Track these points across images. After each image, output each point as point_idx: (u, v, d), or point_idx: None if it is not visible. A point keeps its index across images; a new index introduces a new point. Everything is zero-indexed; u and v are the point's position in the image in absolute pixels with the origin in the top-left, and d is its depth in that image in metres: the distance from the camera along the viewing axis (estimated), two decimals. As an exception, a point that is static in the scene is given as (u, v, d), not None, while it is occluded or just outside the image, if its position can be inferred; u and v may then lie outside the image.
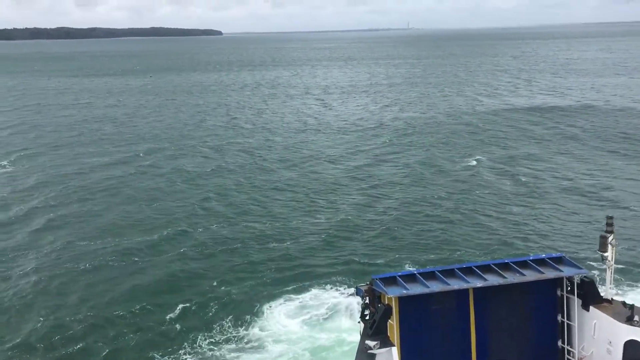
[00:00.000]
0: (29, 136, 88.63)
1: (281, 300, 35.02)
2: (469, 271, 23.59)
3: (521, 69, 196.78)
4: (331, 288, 36.28)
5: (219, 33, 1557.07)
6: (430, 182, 59.46)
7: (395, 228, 46.51)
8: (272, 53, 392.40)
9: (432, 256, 40.72)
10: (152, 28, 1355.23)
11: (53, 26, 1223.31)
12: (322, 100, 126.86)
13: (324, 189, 57.89)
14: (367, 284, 23.79)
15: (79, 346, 30.78)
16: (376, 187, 58.11)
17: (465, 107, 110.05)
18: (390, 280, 22.90)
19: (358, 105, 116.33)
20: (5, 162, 70.46)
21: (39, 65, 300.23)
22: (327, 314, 33.39)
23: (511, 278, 23.16)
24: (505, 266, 23.87)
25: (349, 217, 49.11)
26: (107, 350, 30.33)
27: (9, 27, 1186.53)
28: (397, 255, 41.01)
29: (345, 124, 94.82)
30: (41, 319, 33.36)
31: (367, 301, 23.88)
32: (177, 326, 32.49)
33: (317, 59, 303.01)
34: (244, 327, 32.23)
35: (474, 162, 66.41)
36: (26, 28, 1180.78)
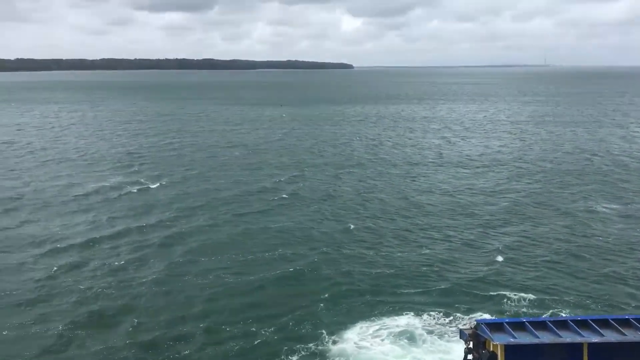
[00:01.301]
0: (181, 160, 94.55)
1: (378, 326, 34.64)
2: (583, 324, 22.17)
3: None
4: (433, 324, 34.78)
5: (350, 66, 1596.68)
6: (566, 225, 55.07)
7: (507, 269, 43.76)
8: (405, 87, 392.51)
9: (544, 303, 37.55)
10: (288, 61, 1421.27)
11: (199, 57, 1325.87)
12: (462, 135, 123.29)
13: (467, 224, 55.16)
14: (471, 328, 22.98)
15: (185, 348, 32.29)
16: (510, 225, 54.50)
17: (619, 149, 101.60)
18: (497, 326, 21.97)
19: (499, 142, 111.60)
20: (161, 182, 75.30)
21: (185, 92, 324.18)
22: (424, 351, 31.69)
23: (631, 336, 21.53)
24: (626, 322, 22.16)
25: (469, 253, 47.15)
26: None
27: (161, 58, 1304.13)
28: (505, 299, 38.41)
29: (489, 159, 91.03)
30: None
31: (470, 346, 22.97)
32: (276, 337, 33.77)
33: (453, 94, 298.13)
34: (336, 347, 32.41)
35: (620, 207, 60.57)
36: (175, 58, 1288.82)
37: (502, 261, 45.52)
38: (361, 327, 34.40)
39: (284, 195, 67.46)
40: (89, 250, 48.41)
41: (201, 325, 35.22)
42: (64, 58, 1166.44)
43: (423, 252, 47.88)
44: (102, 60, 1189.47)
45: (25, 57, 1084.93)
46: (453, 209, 61.53)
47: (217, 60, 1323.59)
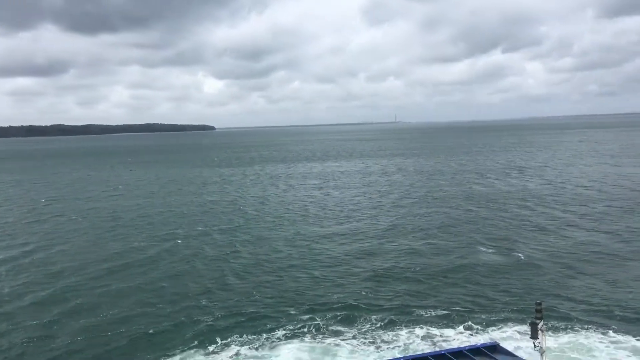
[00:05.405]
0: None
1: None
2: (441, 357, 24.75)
3: (510, 159, 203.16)
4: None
5: (212, 128, 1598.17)
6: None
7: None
8: (270, 147, 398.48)
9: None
10: (147, 124, 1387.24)
11: (49, 123, 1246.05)
12: (325, 190, 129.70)
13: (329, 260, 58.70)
14: None
15: None
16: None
17: (461, 192, 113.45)
18: None
19: (357, 195, 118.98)
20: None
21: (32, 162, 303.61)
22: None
23: None
24: (442, 357, 24.95)
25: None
26: None
27: (4, 125, 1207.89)
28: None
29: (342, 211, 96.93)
30: None
31: None
32: None
33: (311, 153, 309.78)
34: None
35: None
36: (22, 125, 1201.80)
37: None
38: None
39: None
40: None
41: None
42: None
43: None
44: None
45: None
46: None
47: (68, 125, 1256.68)
